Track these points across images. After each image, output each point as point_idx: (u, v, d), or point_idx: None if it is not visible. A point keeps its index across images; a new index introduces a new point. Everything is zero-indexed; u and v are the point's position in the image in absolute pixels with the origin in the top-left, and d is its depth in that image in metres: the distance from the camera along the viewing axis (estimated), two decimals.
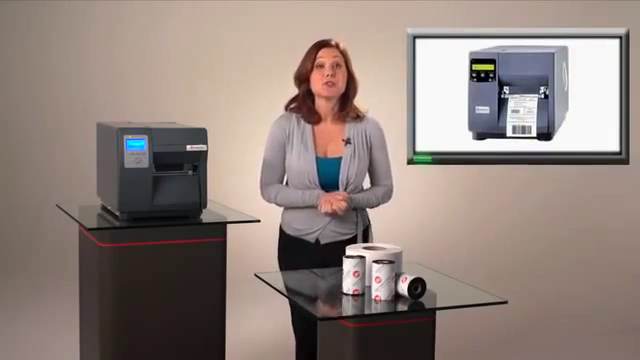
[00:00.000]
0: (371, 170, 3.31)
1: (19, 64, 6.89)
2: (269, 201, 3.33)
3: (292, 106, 3.31)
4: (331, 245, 3.20)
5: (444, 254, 6.02)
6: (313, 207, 3.21)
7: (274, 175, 3.31)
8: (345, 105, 3.27)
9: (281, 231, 3.37)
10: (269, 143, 3.32)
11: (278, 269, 3.30)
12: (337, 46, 3.25)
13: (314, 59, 3.23)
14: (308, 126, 3.27)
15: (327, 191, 3.20)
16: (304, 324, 3.18)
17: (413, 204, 6.25)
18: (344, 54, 3.26)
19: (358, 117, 3.29)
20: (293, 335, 3.40)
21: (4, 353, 4.52)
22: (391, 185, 3.34)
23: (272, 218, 3.67)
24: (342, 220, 3.23)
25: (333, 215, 3.17)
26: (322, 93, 3.23)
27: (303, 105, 3.28)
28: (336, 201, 3.13)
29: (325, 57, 3.22)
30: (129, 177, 2.94)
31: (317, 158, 3.23)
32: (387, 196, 3.34)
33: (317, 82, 3.23)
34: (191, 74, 6.80)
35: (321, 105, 3.28)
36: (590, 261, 6.18)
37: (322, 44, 3.25)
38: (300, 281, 3.00)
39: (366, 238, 3.30)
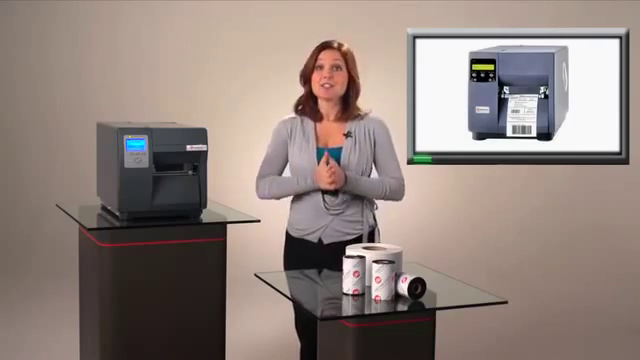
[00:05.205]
0: (379, 167, 3.29)
1: (19, 64, 6.89)
2: (262, 195, 3.31)
3: (299, 108, 3.33)
4: (335, 245, 3.18)
5: (444, 254, 6.02)
6: (314, 203, 3.22)
7: (272, 168, 3.31)
8: (347, 108, 3.28)
9: (287, 235, 3.37)
10: (271, 138, 3.34)
11: (277, 269, 3.29)
12: (339, 48, 3.25)
13: (315, 60, 3.25)
14: (311, 123, 3.29)
15: None
16: (309, 328, 3.15)
17: (413, 204, 6.22)
18: (345, 56, 3.25)
19: (360, 116, 3.29)
20: (293, 335, 3.40)
21: (4, 353, 4.52)
22: (402, 179, 3.28)
23: (272, 218, 3.67)
24: (346, 220, 3.23)
25: (333, 185, 3.12)
26: (319, 94, 3.26)
27: (306, 104, 3.31)
28: (326, 177, 3.09)
29: (325, 59, 3.23)
30: (129, 177, 2.95)
31: (318, 148, 3.24)
32: (398, 189, 3.26)
33: (315, 83, 3.25)
34: (191, 74, 6.80)
35: (323, 105, 3.30)
36: (590, 261, 6.17)
37: (324, 46, 3.27)
38: (300, 281, 3.00)
39: (372, 240, 3.27)
